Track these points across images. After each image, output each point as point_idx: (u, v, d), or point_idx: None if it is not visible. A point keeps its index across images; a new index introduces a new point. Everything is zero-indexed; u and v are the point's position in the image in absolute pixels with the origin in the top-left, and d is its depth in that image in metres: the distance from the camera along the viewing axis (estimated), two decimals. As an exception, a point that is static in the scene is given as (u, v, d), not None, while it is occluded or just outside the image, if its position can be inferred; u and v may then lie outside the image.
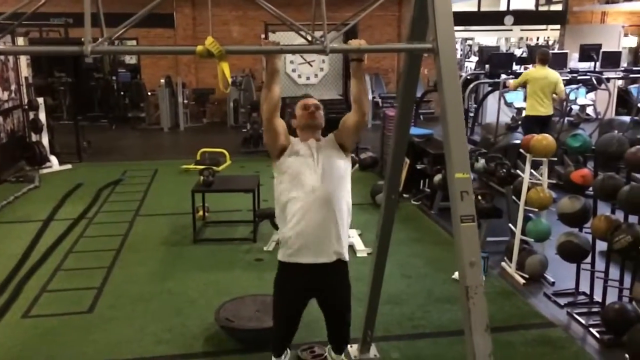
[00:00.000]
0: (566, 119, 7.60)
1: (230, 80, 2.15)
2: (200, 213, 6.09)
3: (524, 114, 7.28)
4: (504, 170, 5.33)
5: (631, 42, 14.17)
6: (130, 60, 13.98)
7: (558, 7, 14.93)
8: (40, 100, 8.52)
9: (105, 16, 2.13)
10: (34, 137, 8.58)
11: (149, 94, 12.86)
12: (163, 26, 12.49)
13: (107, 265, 5.04)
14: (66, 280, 4.77)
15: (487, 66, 8.16)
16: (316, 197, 2.63)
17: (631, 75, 8.90)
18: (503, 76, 7.75)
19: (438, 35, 2.13)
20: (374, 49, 2.33)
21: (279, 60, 2.41)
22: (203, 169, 5.71)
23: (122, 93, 13.28)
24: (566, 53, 8.30)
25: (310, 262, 2.71)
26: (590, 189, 4.18)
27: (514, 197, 4.97)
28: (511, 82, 7.40)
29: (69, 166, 8.75)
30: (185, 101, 12.68)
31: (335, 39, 2.10)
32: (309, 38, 2.23)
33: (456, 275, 4.75)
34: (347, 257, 2.81)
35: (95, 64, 14.17)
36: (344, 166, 2.73)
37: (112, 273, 4.91)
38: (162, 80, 12.28)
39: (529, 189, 4.68)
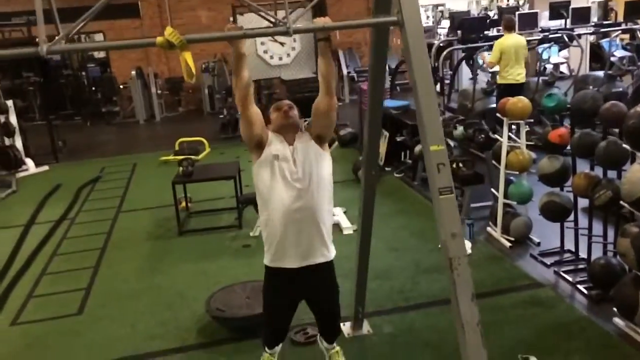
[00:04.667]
0: (541, 78, 7.61)
1: (194, 69, 2.09)
2: (183, 204, 6.04)
3: (497, 81, 7.25)
4: (483, 135, 5.34)
5: (600, -4, 14.17)
6: (99, 54, 13.70)
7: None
8: (10, 102, 8.32)
9: (64, 11, 2.05)
10: (7, 141, 8.40)
11: (121, 87, 12.64)
12: (128, 16, 12.23)
13: (93, 265, 4.99)
14: (53, 284, 4.71)
15: (459, 32, 8.10)
16: (298, 205, 2.60)
17: (602, 30, 8.90)
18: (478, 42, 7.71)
19: (402, 7, 2.09)
20: (338, 26, 2.29)
21: (244, 44, 2.35)
22: (182, 159, 5.64)
23: (93, 88, 13.02)
24: (536, 13, 8.27)
25: (295, 266, 2.70)
26: (569, 147, 4.20)
27: (494, 162, 4.98)
28: (487, 59, 7.36)
29: (45, 168, 8.60)
30: (159, 91, 12.50)
31: (298, 19, 2.04)
32: (272, 20, 2.19)
33: (443, 244, 4.79)
34: (331, 257, 2.79)
35: (63, 61, 13.86)
36: (325, 166, 2.68)
37: (98, 272, 4.86)
38: (133, 72, 12.06)
39: (508, 152, 4.69)
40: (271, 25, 2.18)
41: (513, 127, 5.00)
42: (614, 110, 3.55)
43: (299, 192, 2.60)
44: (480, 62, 7.71)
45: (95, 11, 2.09)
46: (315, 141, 2.70)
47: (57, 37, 1.99)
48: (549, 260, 4.38)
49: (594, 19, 9.47)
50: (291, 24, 2.04)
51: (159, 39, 2.02)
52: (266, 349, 3.03)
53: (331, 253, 2.77)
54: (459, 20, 8.09)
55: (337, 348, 3.19)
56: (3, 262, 5.12)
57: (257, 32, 2.11)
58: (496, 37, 7.47)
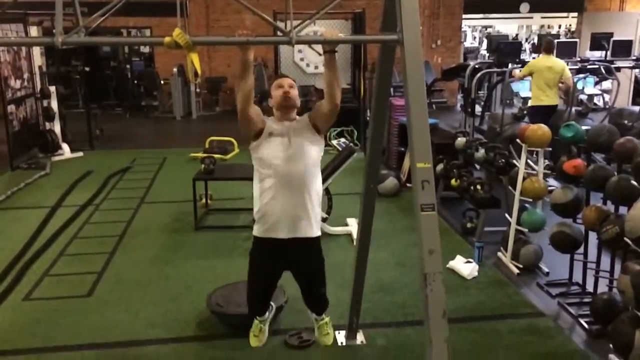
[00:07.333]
0: (574, 108, 7.51)
1: (200, 70, 2.20)
2: (203, 201, 6.20)
3: (529, 103, 7.23)
4: (503, 160, 5.32)
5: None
6: (145, 48, 14.13)
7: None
8: (52, 88, 8.68)
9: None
10: (47, 125, 8.76)
11: (162, 82, 13.00)
12: (176, 15, 12.54)
13: (109, 251, 5.16)
14: (68, 265, 4.90)
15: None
16: (288, 176, 2.76)
17: (644, 64, 8.73)
18: (510, 65, 7.69)
19: (404, 26, 2.16)
20: (341, 40, 2.36)
21: (251, 50, 2.46)
22: (204, 157, 5.80)
23: (136, 82, 13.45)
24: (575, 42, 8.20)
25: (283, 237, 2.84)
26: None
27: (510, 187, 4.96)
28: (517, 72, 7.34)
29: (80, 154, 8.91)
30: (198, 90, 12.79)
31: (300, 29, 2.12)
32: (280, 28, 2.28)
33: (450, 264, 4.78)
34: (318, 233, 2.94)
35: (112, 53, 14.36)
36: (315, 150, 2.85)
37: (113, 258, 5.03)
38: (175, 69, 12.38)
39: (524, 179, 4.67)
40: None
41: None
42: (628, 145, 3.52)
43: (291, 163, 2.76)
44: (511, 81, 7.69)
45: (116, 6, 2.21)
46: (312, 126, 2.85)
47: (74, 29, 2.12)
48: (554, 291, 4.33)
49: (637, 52, 9.30)
50: (294, 34, 2.12)
51: (167, 39, 2.13)
52: (256, 317, 3.16)
53: (318, 231, 2.94)
54: (496, 43, 8.08)
55: (327, 319, 3.30)
56: (26, 240, 5.34)
57: (260, 39, 2.19)
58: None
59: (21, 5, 7.35)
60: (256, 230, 2.92)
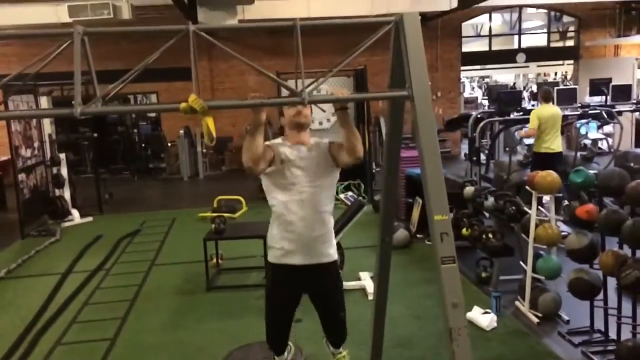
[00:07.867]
0: (579, 153, 7.56)
1: (215, 134, 2.24)
2: (214, 260, 6.17)
3: (534, 147, 7.24)
4: (513, 207, 5.31)
5: (646, 73, 14.12)
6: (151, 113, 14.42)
7: (572, 43, 15.05)
8: (62, 155, 8.82)
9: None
10: (56, 192, 8.84)
11: (169, 144, 13.18)
12: (182, 79, 12.84)
13: (121, 316, 5.10)
14: (81, 333, 4.84)
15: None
16: (303, 200, 2.77)
17: (643, 107, 8.84)
18: (512, 114, 7.79)
19: (413, 82, 2.21)
20: (353, 98, 2.42)
21: (264, 112, 2.51)
22: (214, 217, 5.81)
23: (143, 145, 13.64)
24: (575, 88, 8.33)
25: (299, 263, 2.83)
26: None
27: (523, 235, 4.93)
28: (528, 131, 7.29)
29: (90, 219, 8.94)
30: (204, 150, 12.96)
31: (312, 89, 2.18)
32: (293, 88, 2.34)
33: (468, 315, 4.70)
34: (335, 257, 2.95)
35: (119, 118, 14.63)
36: (330, 177, 2.87)
37: (125, 324, 4.96)
38: (181, 131, 12.59)
39: (536, 225, 4.65)
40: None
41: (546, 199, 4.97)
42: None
43: (305, 191, 2.77)
44: (517, 137, 7.75)
45: (132, 75, 2.27)
46: (330, 157, 2.87)
47: (92, 100, 2.18)
48: (577, 340, 4.23)
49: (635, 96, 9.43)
50: (306, 93, 2.17)
51: (183, 105, 2.18)
52: (275, 357, 3.13)
53: (334, 254, 2.95)
54: (496, 93, 8.22)
55: (344, 352, 3.22)
56: (37, 309, 5.29)
57: (274, 101, 2.25)
58: (531, 110, 7.53)
59: (33, 77, 7.55)
60: (271, 257, 2.94)
